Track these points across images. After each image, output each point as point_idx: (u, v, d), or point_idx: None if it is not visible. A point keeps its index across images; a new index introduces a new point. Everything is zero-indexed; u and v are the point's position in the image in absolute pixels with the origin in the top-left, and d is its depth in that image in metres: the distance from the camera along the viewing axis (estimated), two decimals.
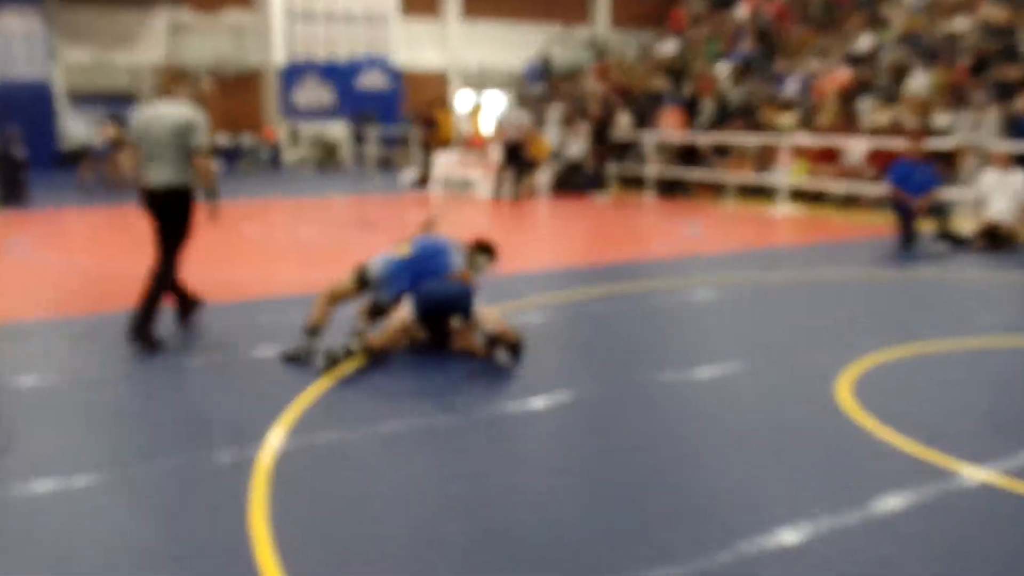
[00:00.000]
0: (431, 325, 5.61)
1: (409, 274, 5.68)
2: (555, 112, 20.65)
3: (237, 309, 7.16)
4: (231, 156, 27.28)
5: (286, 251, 10.79)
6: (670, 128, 16.75)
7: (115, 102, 25.60)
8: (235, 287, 8.07)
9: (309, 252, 10.58)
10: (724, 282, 8.12)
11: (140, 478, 3.74)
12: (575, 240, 11.78)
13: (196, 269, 9.04)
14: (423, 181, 19.23)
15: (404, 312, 5.54)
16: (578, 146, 17.20)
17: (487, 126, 21.34)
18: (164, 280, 6.08)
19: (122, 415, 4.63)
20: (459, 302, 5.51)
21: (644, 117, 18.57)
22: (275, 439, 4.16)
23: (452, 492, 3.60)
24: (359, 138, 27.56)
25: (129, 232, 12.60)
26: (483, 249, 6.07)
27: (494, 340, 5.29)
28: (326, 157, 28.16)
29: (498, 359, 5.23)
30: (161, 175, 6.03)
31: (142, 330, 5.90)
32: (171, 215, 6.08)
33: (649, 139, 17.00)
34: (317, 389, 4.93)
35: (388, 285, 5.72)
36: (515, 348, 5.31)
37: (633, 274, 8.70)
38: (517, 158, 16.31)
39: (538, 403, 4.72)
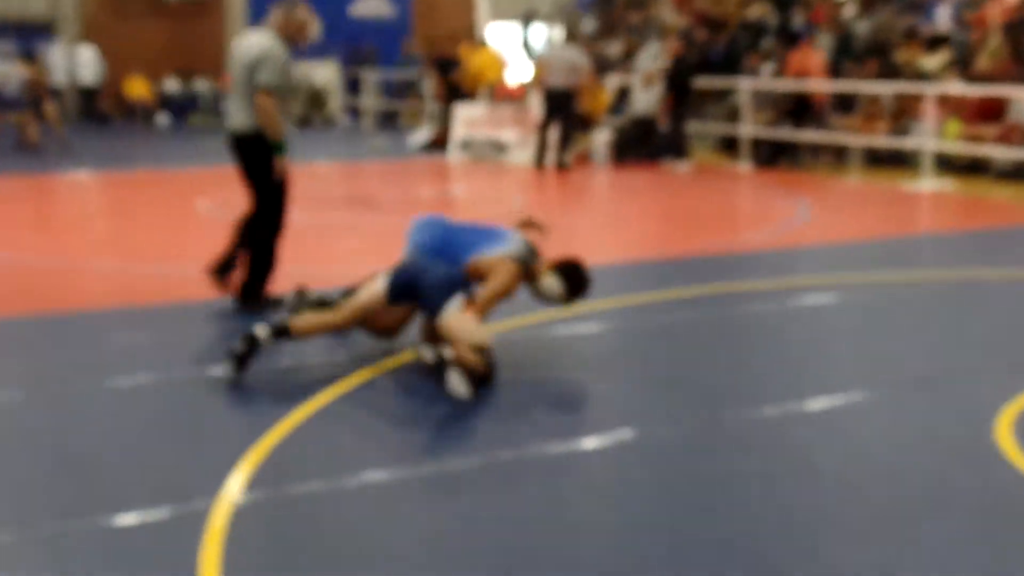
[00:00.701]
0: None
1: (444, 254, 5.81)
2: (616, 50, 20.64)
3: (183, 313, 7.23)
4: (180, 108, 27.64)
5: None
6: (801, 72, 16.34)
7: (28, 34, 26.03)
8: (182, 283, 8.15)
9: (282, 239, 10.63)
10: (844, 283, 8.08)
11: (55, 541, 3.77)
12: (643, 224, 11.78)
13: (129, 257, 9.15)
14: (439, 143, 19.32)
15: (375, 287, 5.60)
16: (648, 98, 17.16)
17: (523, 69, 21.38)
18: (261, 237, 6.93)
19: (31, 458, 4.66)
20: (431, 293, 5.50)
21: (738, 57, 18.50)
22: (232, 490, 4.18)
23: (461, 564, 3.59)
24: (353, 85, 27.77)
25: (47, 211, 12.81)
26: (565, 273, 5.89)
27: (446, 363, 5.23)
28: (309, 110, 28.37)
29: (450, 386, 5.20)
30: (234, 117, 6.92)
31: (252, 292, 6.84)
32: (245, 163, 6.94)
33: (745, 88, 16.93)
34: (288, 424, 4.95)
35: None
36: (481, 379, 5.26)
37: (721, 271, 8.67)
38: (565, 112, 16.29)
39: (587, 444, 4.72)
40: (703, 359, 6.12)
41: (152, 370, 5.80)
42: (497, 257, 5.72)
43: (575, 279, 5.88)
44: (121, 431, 4.97)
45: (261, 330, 5.53)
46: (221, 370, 5.66)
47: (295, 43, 6.96)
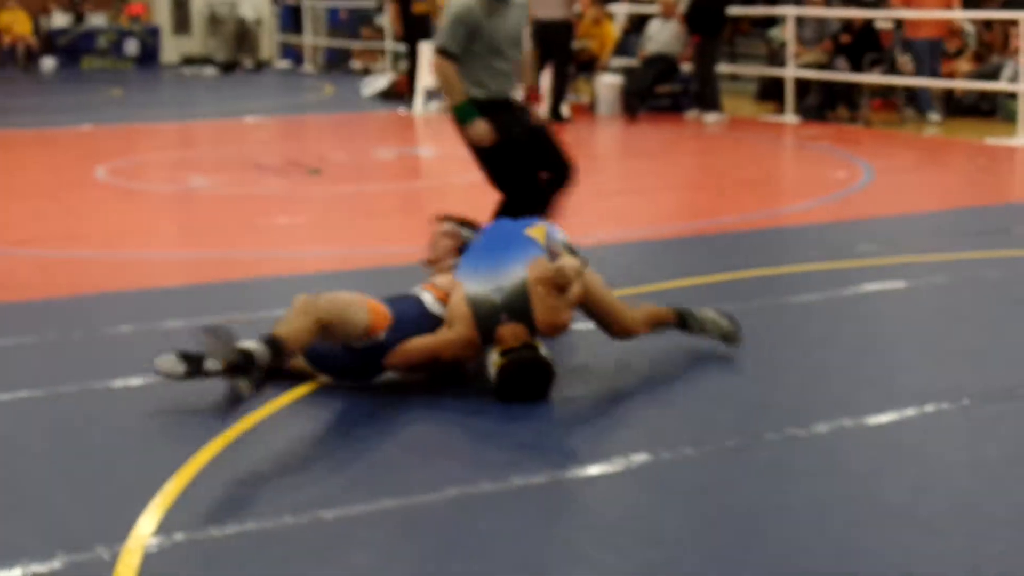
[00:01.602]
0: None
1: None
2: None
3: (76, 308, 7.26)
4: (71, 50, 27.54)
5: (160, 215, 10.86)
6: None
7: None
8: (78, 273, 8.15)
9: (199, 219, 10.65)
10: (915, 265, 8.09)
11: None
12: (664, 192, 11.78)
13: (6, 238, 9.12)
14: (399, 92, 19.25)
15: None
16: (668, 32, 17.18)
17: None
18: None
19: None
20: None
21: None
22: (143, 531, 4.20)
23: None
24: (292, 18, 27.68)
25: None
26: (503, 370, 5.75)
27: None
28: (236, 50, 28.34)
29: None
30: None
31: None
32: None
33: (790, 15, 16.93)
34: (217, 445, 4.97)
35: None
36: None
37: (761, 250, 8.71)
38: (558, 51, 16.28)
39: (589, 471, 4.74)
40: (738, 363, 6.11)
41: (36, 384, 5.80)
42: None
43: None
44: (9, 461, 4.98)
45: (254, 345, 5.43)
46: (132, 380, 5.68)
47: None
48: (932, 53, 15.75)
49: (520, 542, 4.12)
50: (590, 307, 5.83)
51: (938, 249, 8.56)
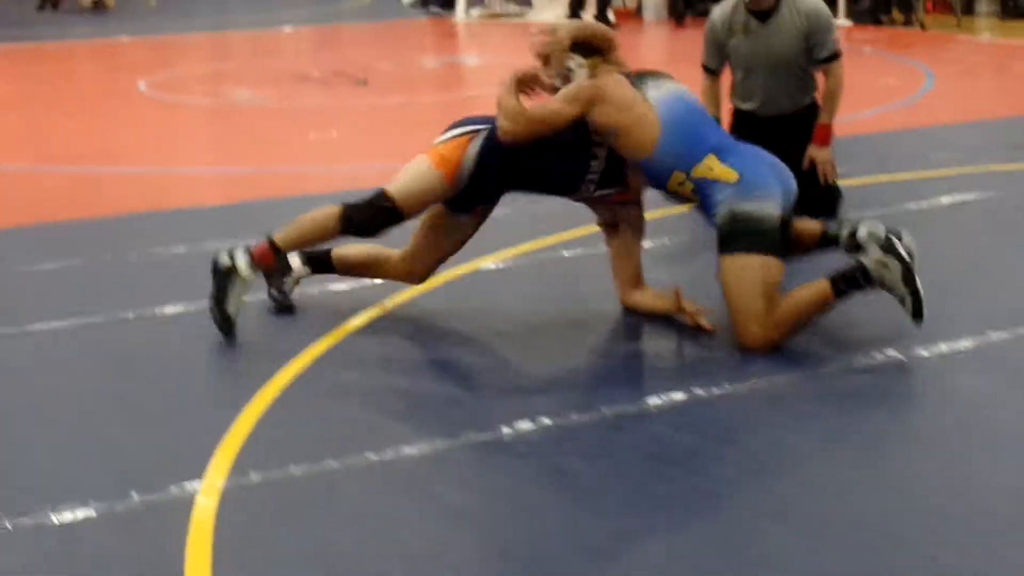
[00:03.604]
0: None
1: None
2: None
3: (123, 229, 7.14)
4: None
5: (208, 130, 10.72)
6: None
7: None
8: (120, 187, 8.02)
9: (251, 134, 10.51)
10: (991, 174, 7.89)
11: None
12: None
13: (47, 156, 9.02)
14: None
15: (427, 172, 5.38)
16: None
17: None
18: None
19: None
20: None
21: None
22: (216, 470, 4.07)
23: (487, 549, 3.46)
24: None
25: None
26: (579, 45, 5.43)
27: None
28: None
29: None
30: None
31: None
32: None
33: None
34: (283, 378, 4.84)
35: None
36: None
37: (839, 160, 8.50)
38: None
39: (674, 397, 4.58)
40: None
41: (91, 310, 5.70)
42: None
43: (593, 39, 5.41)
44: (51, 395, 4.87)
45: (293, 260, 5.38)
46: (187, 306, 5.57)
47: None
48: None
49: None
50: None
51: (1005, 158, 8.38)
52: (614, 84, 5.21)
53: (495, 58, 14.66)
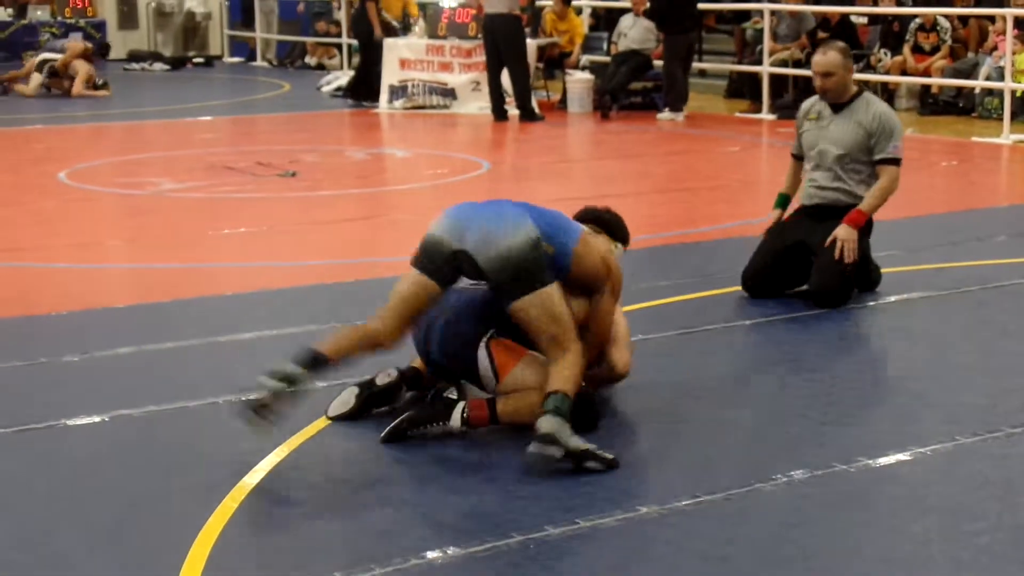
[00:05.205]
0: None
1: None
2: None
3: (35, 329, 6.98)
4: (12, 45, 26.87)
5: (135, 222, 10.57)
6: None
7: None
8: (40, 283, 7.89)
9: (176, 227, 10.35)
10: (924, 272, 7.96)
11: None
12: (654, 194, 11.58)
13: None
14: (359, 90, 18.83)
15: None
16: (640, 29, 17.04)
17: None
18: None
19: None
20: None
21: None
22: None
23: None
24: (242, 12, 27.40)
25: None
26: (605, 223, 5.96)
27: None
28: (186, 44, 28.00)
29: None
30: None
31: None
32: None
33: (766, 7, 16.91)
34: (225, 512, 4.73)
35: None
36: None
37: (730, 257, 8.50)
38: (509, 47, 16.05)
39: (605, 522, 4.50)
40: (744, 394, 6.01)
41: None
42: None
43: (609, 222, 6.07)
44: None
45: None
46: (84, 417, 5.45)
47: None
48: None
49: None
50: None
51: (914, 249, 8.63)
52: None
53: (422, 150, 14.68)
